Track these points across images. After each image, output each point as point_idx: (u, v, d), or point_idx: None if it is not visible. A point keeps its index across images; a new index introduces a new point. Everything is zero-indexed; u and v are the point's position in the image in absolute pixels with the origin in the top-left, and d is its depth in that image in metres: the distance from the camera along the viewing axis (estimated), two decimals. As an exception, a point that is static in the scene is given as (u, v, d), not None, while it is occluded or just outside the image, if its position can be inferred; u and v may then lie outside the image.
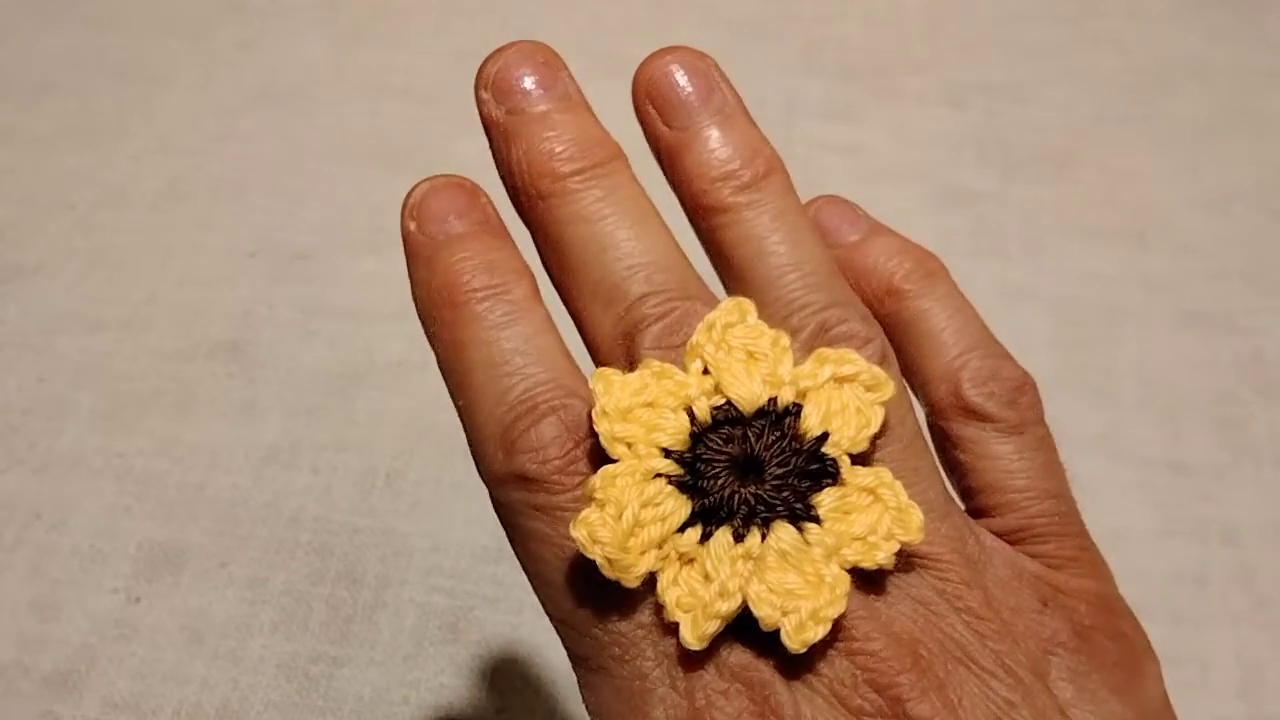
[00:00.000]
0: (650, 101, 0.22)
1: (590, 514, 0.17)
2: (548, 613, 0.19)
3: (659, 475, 0.18)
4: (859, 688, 0.17)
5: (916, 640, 0.17)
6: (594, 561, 0.17)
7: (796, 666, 0.17)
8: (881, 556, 0.17)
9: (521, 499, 0.18)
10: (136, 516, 0.39)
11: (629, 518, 0.17)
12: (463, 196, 0.21)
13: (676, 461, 0.18)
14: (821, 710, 0.17)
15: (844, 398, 0.18)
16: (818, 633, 0.17)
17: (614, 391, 0.18)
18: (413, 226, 0.21)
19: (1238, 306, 0.45)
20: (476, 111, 0.22)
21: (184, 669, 0.35)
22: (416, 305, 0.21)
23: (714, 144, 0.21)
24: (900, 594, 0.18)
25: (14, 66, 0.55)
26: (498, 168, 0.21)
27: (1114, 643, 0.20)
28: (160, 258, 0.47)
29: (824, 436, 0.18)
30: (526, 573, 0.19)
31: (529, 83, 0.21)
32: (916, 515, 0.18)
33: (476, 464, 0.19)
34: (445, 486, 0.40)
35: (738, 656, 0.17)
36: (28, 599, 0.37)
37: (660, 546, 0.17)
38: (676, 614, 0.17)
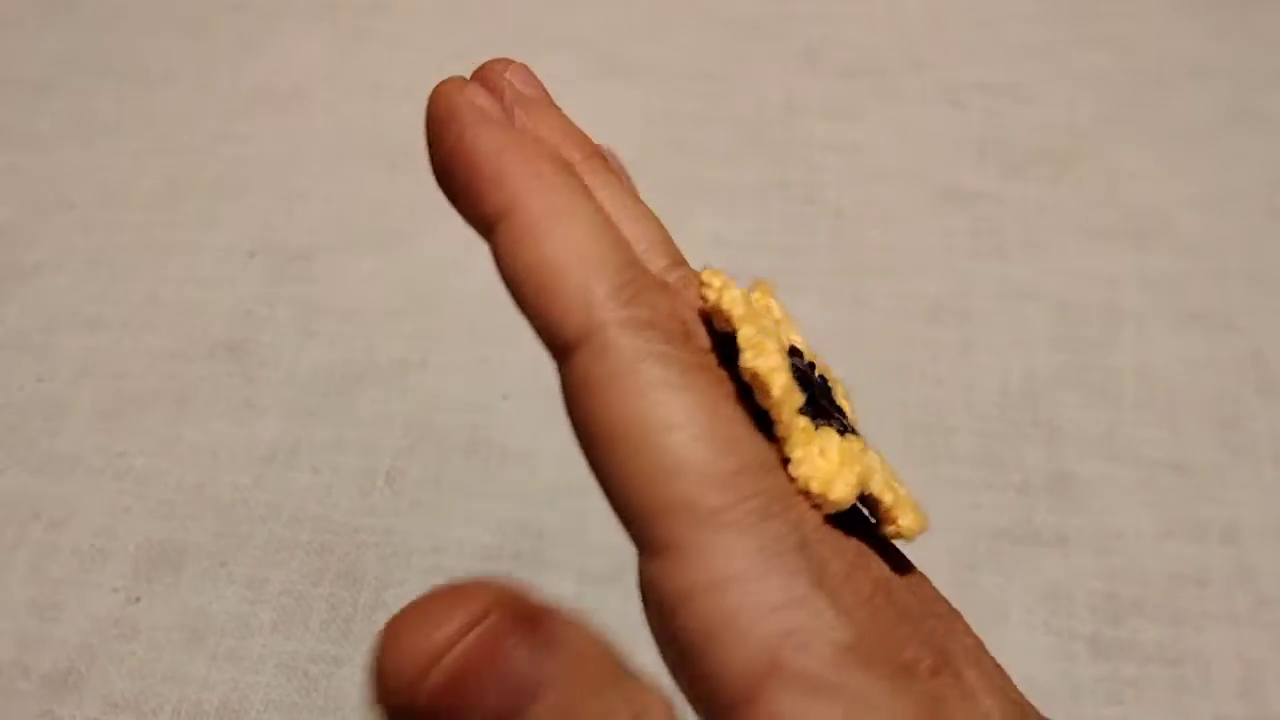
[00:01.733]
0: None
1: (753, 352, 0.17)
2: (652, 469, 0.17)
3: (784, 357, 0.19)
4: (927, 598, 0.18)
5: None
6: (734, 410, 0.17)
7: (891, 571, 0.18)
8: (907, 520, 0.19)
9: (648, 346, 0.17)
10: (136, 516, 0.39)
11: (783, 364, 0.18)
12: (532, 77, 0.21)
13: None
14: (915, 603, 0.18)
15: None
16: (924, 525, 0.18)
17: (730, 285, 0.18)
18: (464, 100, 0.21)
19: (1238, 306, 0.45)
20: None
21: (184, 669, 0.35)
22: (486, 164, 0.20)
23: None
24: None
25: (14, 66, 0.55)
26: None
27: None
28: (160, 258, 0.47)
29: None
30: (633, 426, 0.18)
31: (533, 88, 0.22)
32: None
33: (568, 312, 0.18)
34: (445, 486, 0.40)
35: (853, 541, 0.18)
36: (28, 599, 0.37)
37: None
38: (815, 481, 0.17)
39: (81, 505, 0.39)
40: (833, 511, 0.17)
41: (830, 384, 0.20)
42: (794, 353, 0.19)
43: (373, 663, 0.15)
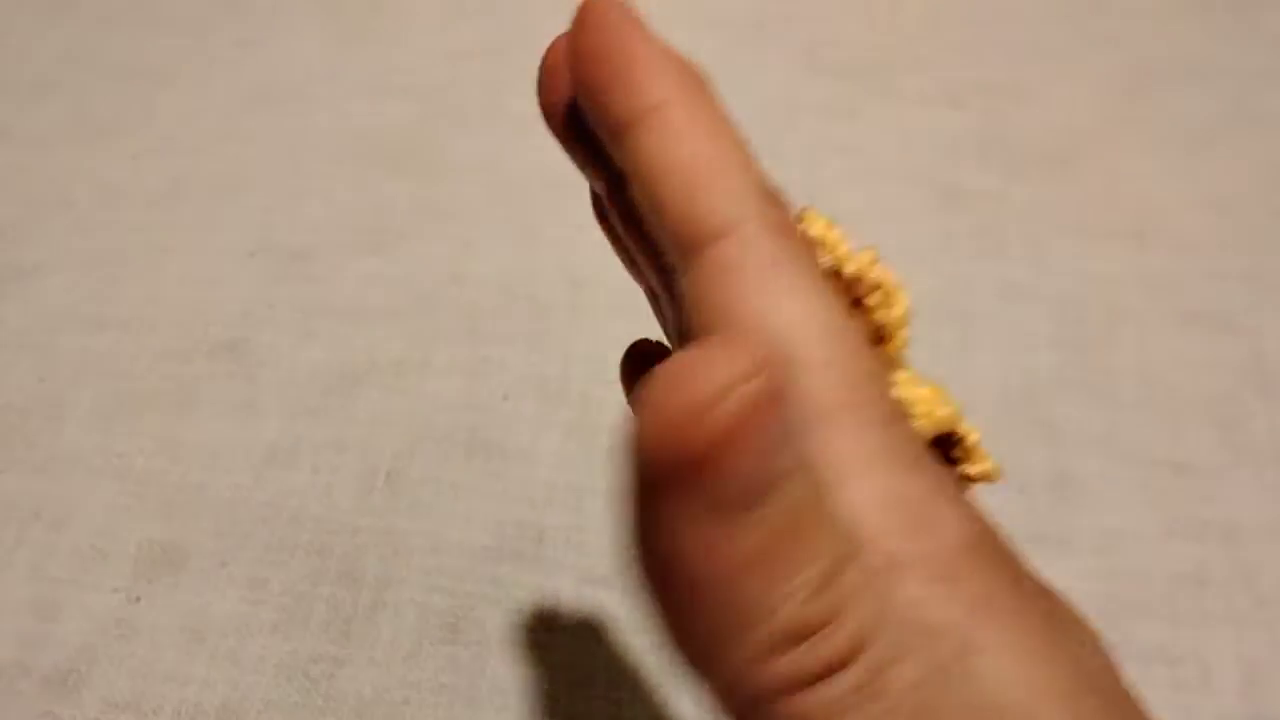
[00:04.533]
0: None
1: (868, 257, 0.19)
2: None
3: None
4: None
5: None
6: (844, 322, 0.18)
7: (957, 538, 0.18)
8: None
9: (783, 246, 0.18)
10: (136, 516, 0.39)
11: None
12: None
13: None
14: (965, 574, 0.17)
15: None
16: (1001, 475, 0.19)
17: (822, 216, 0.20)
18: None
19: (1238, 306, 0.45)
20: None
21: (184, 669, 0.35)
22: (656, 55, 0.20)
23: None
24: None
25: (14, 66, 0.55)
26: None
27: None
28: (160, 258, 0.47)
29: None
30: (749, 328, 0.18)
31: None
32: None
33: (711, 208, 0.18)
34: (445, 486, 0.40)
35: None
36: (28, 599, 0.37)
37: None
38: (917, 405, 0.19)
39: (81, 505, 0.39)
40: (933, 433, 0.18)
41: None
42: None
43: (641, 410, 0.14)
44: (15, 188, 0.49)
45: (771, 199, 0.18)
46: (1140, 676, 0.38)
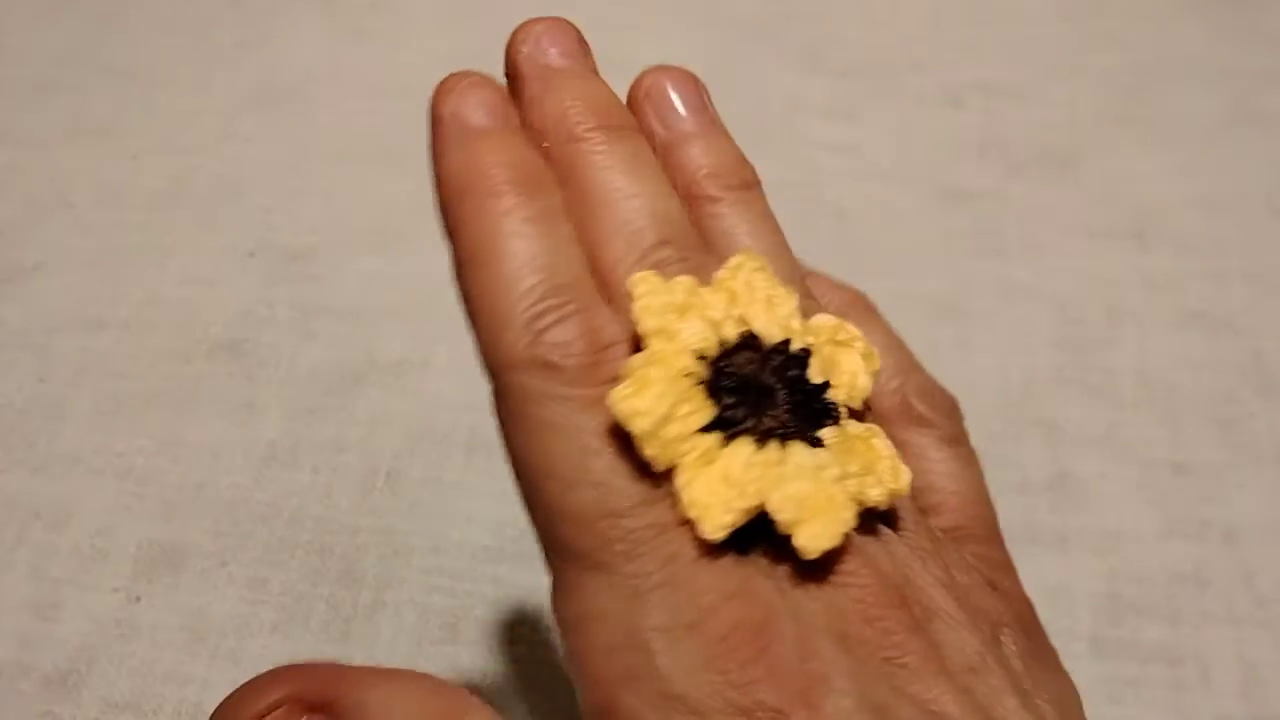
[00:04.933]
0: (647, 103, 0.23)
1: (628, 388, 0.18)
2: (544, 508, 0.19)
3: (689, 375, 0.18)
4: (851, 617, 0.17)
5: (900, 585, 0.18)
6: (610, 455, 0.18)
7: (796, 587, 0.18)
8: (876, 494, 0.18)
9: (541, 387, 0.18)
10: (136, 516, 0.39)
11: (666, 400, 0.17)
12: (498, 96, 0.22)
13: (707, 366, 0.19)
14: (820, 630, 0.17)
15: (841, 359, 0.20)
16: (830, 542, 0.17)
17: (658, 291, 0.19)
18: (448, 112, 0.22)
19: (1238, 306, 0.45)
20: (505, 64, 0.22)
21: (184, 669, 0.35)
22: (443, 190, 0.21)
23: (705, 146, 0.23)
24: (883, 544, 0.19)
25: (14, 66, 0.55)
26: (527, 116, 0.22)
27: (1046, 641, 0.22)
28: (160, 258, 0.47)
29: (826, 385, 0.19)
30: (527, 465, 0.19)
31: (564, 50, 0.22)
32: (905, 471, 0.19)
33: (486, 351, 0.20)
34: (445, 486, 0.40)
35: (743, 568, 0.18)
36: (28, 599, 0.37)
37: (684, 442, 0.18)
38: (694, 508, 0.17)
39: (81, 505, 0.39)
40: (715, 540, 0.17)
41: (813, 360, 0.19)
42: (746, 343, 0.19)
43: None
44: (15, 188, 0.49)
45: (552, 322, 0.19)
46: (1140, 676, 0.38)
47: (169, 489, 0.40)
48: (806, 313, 0.21)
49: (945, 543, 0.21)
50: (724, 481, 0.17)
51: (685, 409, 0.18)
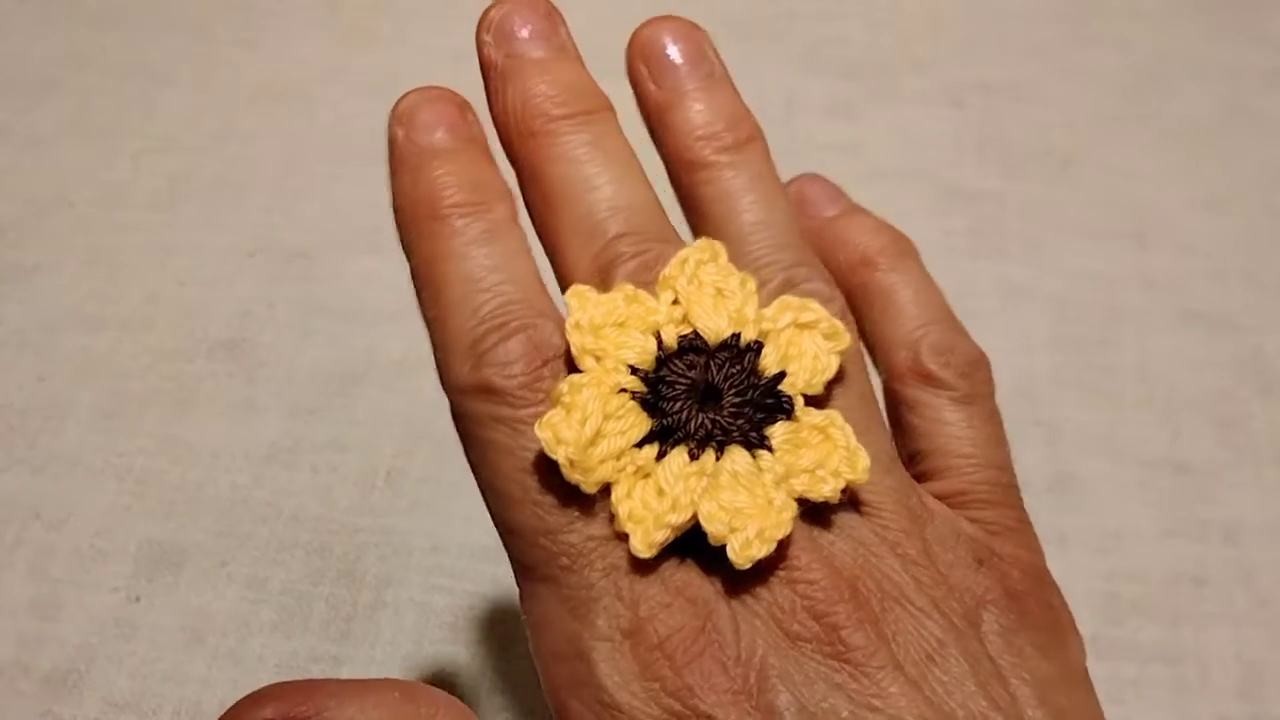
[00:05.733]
0: (643, 61, 0.23)
1: (555, 415, 0.18)
2: (498, 523, 0.19)
3: (623, 390, 0.18)
4: (797, 613, 0.18)
5: (855, 576, 0.18)
6: (548, 475, 0.18)
7: (739, 588, 0.18)
8: (828, 489, 0.18)
9: (484, 410, 0.19)
10: (136, 516, 0.39)
11: (592, 424, 0.18)
12: (453, 110, 0.22)
13: (641, 380, 0.18)
14: (760, 631, 0.17)
15: (803, 342, 0.19)
16: (763, 550, 0.17)
17: (588, 307, 0.19)
18: (400, 134, 0.21)
19: (1238, 306, 0.45)
20: (476, 54, 0.22)
21: (184, 669, 0.35)
22: (396, 214, 0.21)
23: (700, 106, 0.22)
24: (843, 533, 0.19)
25: (14, 66, 0.55)
26: (490, 108, 0.22)
27: (1042, 610, 0.21)
28: (160, 257, 0.47)
29: (780, 376, 0.19)
30: (480, 482, 0.19)
31: (529, 31, 0.22)
32: (863, 457, 0.19)
33: (440, 374, 0.20)
34: (445, 486, 0.40)
35: (683, 573, 0.18)
36: (28, 599, 0.37)
37: (618, 459, 0.18)
38: (628, 524, 0.18)
39: (81, 505, 0.39)
40: (647, 558, 0.17)
41: (770, 349, 0.19)
42: (690, 345, 0.19)
43: None
44: (15, 188, 0.49)
45: (494, 343, 0.19)
46: (1140, 676, 0.38)
47: (169, 489, 0.40)
48: (797, 281, 0.20)
49: (933, 516, 0.20)
50: (658, 495, 0.18)
51: (616, 426, 0.18)
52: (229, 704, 0.36)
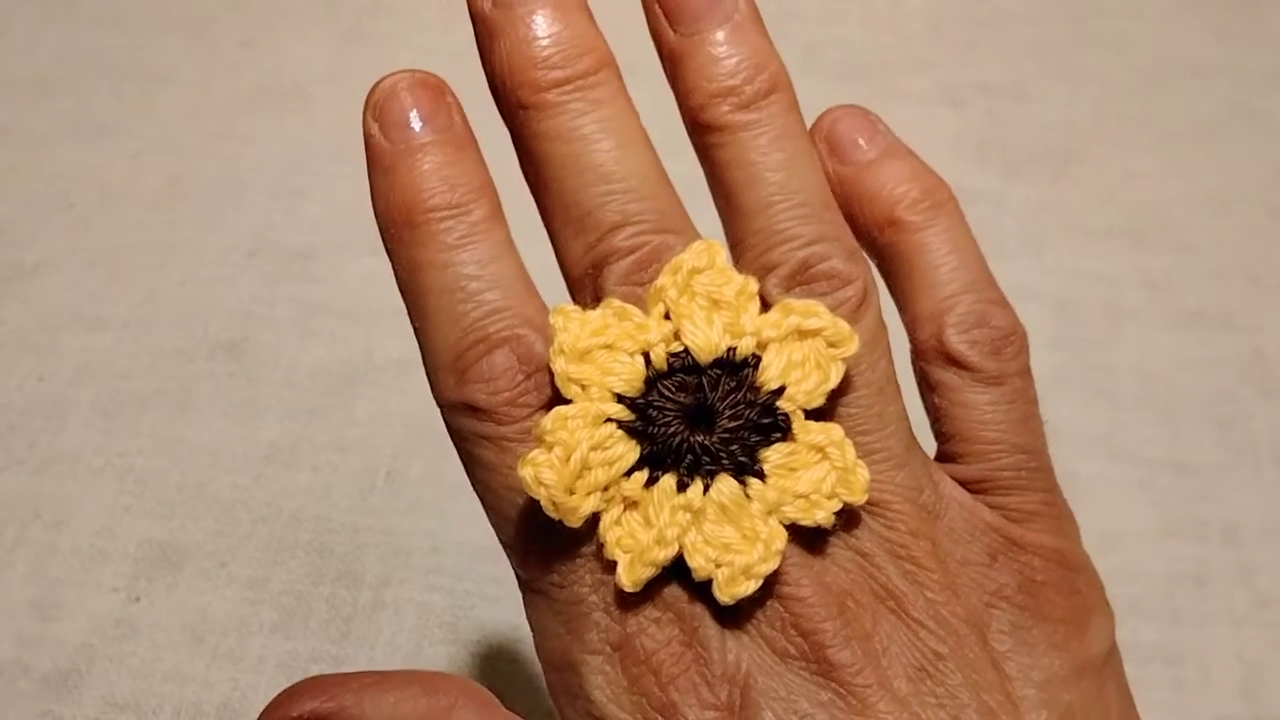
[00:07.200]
0: (659, 2, 0.21)
1: (538, 455, 0.17)
2: (495, 533, 0.19)
3: (610, 420, 0.18)
4: (785, 631, 0.17)
5: (846, 592, 0.18)
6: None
7: (728, 606, 0.18)
8: (821, 516, 0.18)
9: (471, 427, 0.18)
10: (136, 516, 0.39)
11: (576, 460, 0.17)
12: (428, 97, 0.20)
13: (629, 406, 0.18)
14: (747, 647, 0.17)
15: (805, 351, 0.18)
16: (748, 588, 0.17)
17: (572, 330, 0.18)
18: (374, 129, 0.21)
19: (1238, 306, 0.45)
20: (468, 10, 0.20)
21: (184, 669, 0.35)
22: (376, 219, 0.20)
23: (718, 54, 0.20)
24: (840, 545, 0.18)
25: (14, 66, 0.55)
26: (483, 65, 0.20)
27: (1063, 599, 0.20)
28: (160, 257, 0.47)
29: (780, 390, 0.18)
30: (476, 494, 0.19)
31: None
32: (862, 475, 0.18)
33: (431, 387, 0.19)
34: (445, 486, 0.40)
35: (672, 590, 0.18)
36: (28, 599, 0.37)
37: (606, 489, 0.18)
38: (615, 554, 0.17)
39: (81, 505, 0.39)
40: (633, 592, 0.17)
41: (770, 361, 0.18)
42: (681, 365, 0.18)
43: None
44: (15, 188, 0.49)
45: (476, 357, 0.19)
46: (1140, 676, 0.38)
47: (169, 489, 0.40)
48: (814, 262, 0.19)
49: (948, 508, 0.19)
50: (645, 526, 0.17)
51: (603, 458, 0.17)
52: (229, 704, 0.36)
